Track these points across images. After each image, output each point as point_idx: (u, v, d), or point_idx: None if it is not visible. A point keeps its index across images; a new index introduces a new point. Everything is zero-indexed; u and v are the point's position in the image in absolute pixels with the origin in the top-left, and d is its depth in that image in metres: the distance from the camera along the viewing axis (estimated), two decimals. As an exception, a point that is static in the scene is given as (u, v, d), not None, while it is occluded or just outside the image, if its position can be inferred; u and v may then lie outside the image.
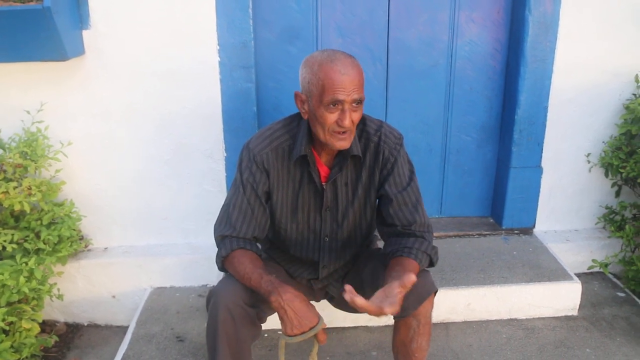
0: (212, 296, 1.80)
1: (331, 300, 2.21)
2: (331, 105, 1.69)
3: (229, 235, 1.85)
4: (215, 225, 1.90)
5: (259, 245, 1.98)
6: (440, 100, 2.86)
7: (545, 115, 2.77)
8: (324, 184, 1.91)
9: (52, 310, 2.74)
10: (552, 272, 2.61)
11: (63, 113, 2.57)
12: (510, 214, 2.91)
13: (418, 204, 1.89)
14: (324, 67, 1.69)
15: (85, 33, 2.49)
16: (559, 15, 2.64)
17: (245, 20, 2.52)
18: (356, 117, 1.73)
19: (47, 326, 2.72)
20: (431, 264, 1.87)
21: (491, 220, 3.04)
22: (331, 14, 2.68)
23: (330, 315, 2.43)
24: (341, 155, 1.87)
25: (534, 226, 2.96)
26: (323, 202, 1.93)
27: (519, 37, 2.69)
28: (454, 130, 2.91)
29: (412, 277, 1.53)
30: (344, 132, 1.73)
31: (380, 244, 2.28)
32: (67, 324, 2.76)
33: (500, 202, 2.94)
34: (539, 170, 2.85)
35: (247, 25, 2.53)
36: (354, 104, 1.71)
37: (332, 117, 1.71)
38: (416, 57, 2.78)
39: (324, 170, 1.91)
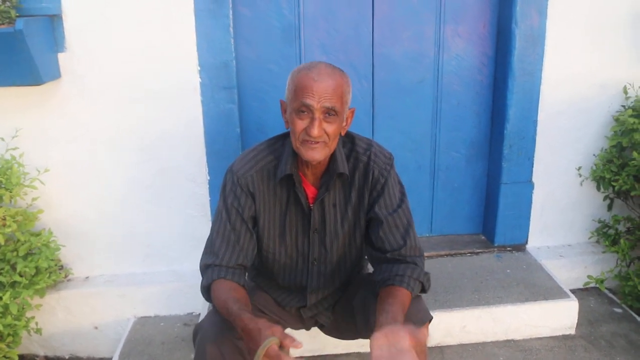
0: (198, 330, 1.71)
1: (322, 328, 2.13)
2: (301, 111, 1.63)
3: (212, 264, 1.76)
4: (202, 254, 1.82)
5: (247, 273, 1.89)
6: (428, 117, 2.80)
7: (535, 129, 2.72)
8: (311, 205, 1.83)
9: (31, 344, 2.63)
10: (547, 290, 2.55)
11: (39, 139, 2.48)
12: (502, 230, 2.85)
13: (409, 227, 1.82)
14: (300, 73, 1.65)
15: (61, 56, 2.41)
16: (546, 28, 2.61)
17: (227, 39, 2.45)
18: (330, 129, 1.65)
19: (26, 361, 2.61)
20: (423, 290, 1.79)
21: (483, 238, 2.98)
22: (314, 31, 2.62)
23: (322, 342, 2.35)
24: (328, 174, 1.80)
25: (526, 242, 2.90)
26: (310, 224, 1.85)
27: (506, 51, 2.65)
28: (442, 146, 2.85)
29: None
30: (316, 142, 1.66)
31: (372, 269, 2.22)
32: (47, 358, 2.65)
33: (491, 218, 2.88)
34: (530, 185, 2.80)
35: (228, 45, 2.46)
36: (326, 114, 1.63)
37: (301, 123, 1.64)
38: (402, 73, 2.73)
39: (311, 191, 1.83)
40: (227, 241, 1.78)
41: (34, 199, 2.46)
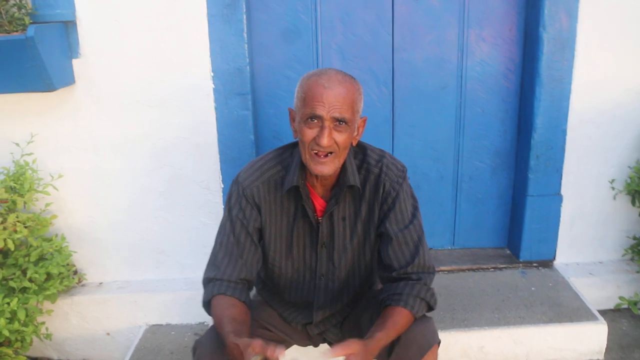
0: (197, 346, 1.67)
1: (331, 345, 2.05)
2: (310, 120, 1.56)
3: (213, 278, 1.70)
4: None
5: (251, 288, 1.82)
6: (451, 125, 2.69)
7: (564, 139, 2.57)
8: (320, 218, 1.76)
9: (46, 348, 2.64)
10: (574, 311, 2.39)
11: (54, 144, 2.49)
12: (528, 245, 2.70)
13: (420, 244, 1.72)
14: (310, 80, 1.58)
15: (75, 62, 2.41)
16: (576, 32, 2.46)
17: (240, 45, 2.40)
18: (340, 138, 1.57)
19: (40, 364, 2.63)
20: (430, 308, 1.69)
21: (508, 252, 2.84)
22: (331, 35, 2.55)
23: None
24: (338, 187, 1.72)
25: (554, 258, 2.74)
26: (318, 237, 1.77)
27: (533, 56, 2.51)
28: (466, 156, 2.73)
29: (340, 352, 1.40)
30: (325, 155, 1.59)
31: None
32: (60, 362, 2.66)
33: (517, 232, 2.73)
34: (558, 198, 2.64)
35: (242, 51, 2.41)
36: (336, 124, 1.56)
37: (310, 133, 1.57)
38: (423, 79, 2.62)
39: (319, 203, 1.76)
40: (230, 255, 1.72)
41: (47, 205, 2.47)
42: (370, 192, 1.75)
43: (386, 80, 2.61)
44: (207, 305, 1.71)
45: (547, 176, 2.61)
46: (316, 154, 1.59)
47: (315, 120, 1.56)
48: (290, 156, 1.76)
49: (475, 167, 2.75)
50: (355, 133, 1.67)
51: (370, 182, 1.75)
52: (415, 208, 1.77)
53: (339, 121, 1.56)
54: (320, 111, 1.54)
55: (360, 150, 1.78)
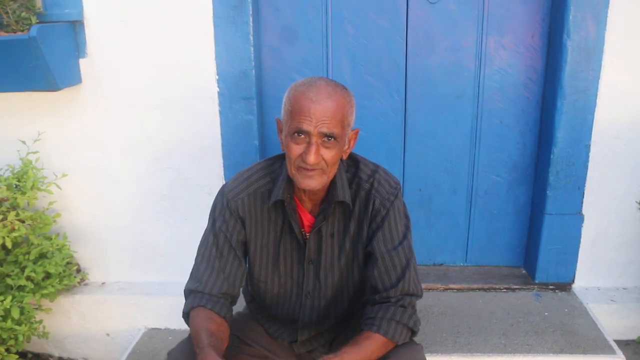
0: (168, 358, 1.63)
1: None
2: (296, 135, 1.48)
3: (194, 290, 1.66)
4: None
5: (234, 302, 1.75)
6: (466, 135, 2.55)
7: (587, 155, 2.39)
8: (307, 233, 1.68)
9: (47, 344, 2.66)
10: (589, 341, 2.22)
11: (60, 143, 2.50)
12: (544, 266, 2.53)
13: (407, 268, 1.62)
14: (297, 92, 1.50)
15: (82, 62, 2.41)
16: (604, 40, 2.28)
17: (246, 48, 2.35)
18: (328, 155, 1.49)
19: (41, 360, 2.65)
20: (412, 332, 1.59)
21: (523, 272, 2.67)
22: (342, 39, 2.46)
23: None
24: (327, 202, 1.64)
25: (572, 281, 2.56)
26: (305, 254, 1.69)
27: (556, 65, 2.35)
28: (481, 169, 2.58)
29: None
30: (312, 170, 1.50)
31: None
32: (61, 359, 2.67)
33: (533, 251, 2.57)
34: (579, 217, 2.47)
35: (247, 54, 2.35)
36: (324, 139, 1.47)
37: (297, 149, 1.49)
38: (438, 87, 2.50)
39: (307, 219, 1.68)
40: (212, 267, 1.67)
41: (50, 203, 2.47)
42: (360, 208, 1.66)
43: (399, 87, 2.50)
44: (187, 316, 1.66)
45: (568, 194, 2.44)
46: (303, 168, 1.51)
47: (302, 136, 1.48)
48: (279, 167, 1.69)
49: (491, 181, 2.60)
50: (346, 147, 1.59)
51: (361, 197, 1.66)
52: (407, 228, 1.67)
53: (327, 137, 1.48)
54: (307, 126, 1.46)
55: (352, 164, 1.70)
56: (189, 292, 1.68)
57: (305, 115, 1.46)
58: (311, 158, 1.46)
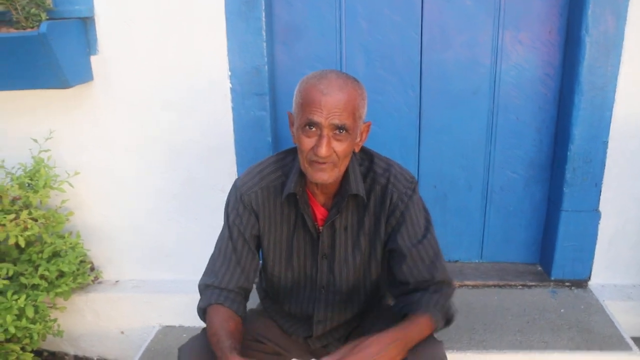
0: (179, 353, 1.63)
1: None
2: (307, 127, 1.47)
3: (211, 285, 1.66)
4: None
5: (247, 297, 1.74)
6: (482, 132, 2.52)
7: (605, 152, 2.36)
8: (320, 227, 1.67)
9: (62, 342, 2.66)
10: (605, 338, 2.21)
11: (72, 141, 2.48)
12: (560, 263, 2.51)
13: (436, 259, 1.61)
14: (308, 84, 1.48)
15: (93, 59, 2.38)
16: (624, 35, 2.24)
17: (259, 43, 2.31)
18: (340, 148, 1.48)
19: (55, 358, 2.65)
20: (447, 321, 1.58)
21: (539, 269, 2.65)
22: (356, 34, 2.42)
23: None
24: (340, 195, 1.62)
25: (589, 278, 2.54)
26: (319, 248, 1.68)
27: (574, 61, 2.31)
28: (497, 165, 2.56)
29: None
30: (324, 163, 1.49)
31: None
32: (76, 357, 2.68)
33: (549, 248, 2.55)
34: (596, 214, 2.45)
35: (260, 49, 2.32)
36: (336, 132, 1.46)
37: (308, 142, 1.48)
38: (453, 82, 2.46)
39: (320, 212, 1.67)
40: (228, 262, 1.67)
41: (63, 202, 2.46)
42: (376, 203, 1.64)
43: (413, 82, 2.47)
44: (202, 312, 1.67)
45: (584, 191, 2.41)
46: (315, 161, 1.50)
47: (314, 128, 1.47)
48: (292, 161, 1.68)
49: (507, 177, 2.57)
50: (358, 139, 1.57)
51: (376, 192, 1.64)
52: (427, 221, 1.65)
53: (339, 129, 1.46)
54: (318, 118, 1.44)
55: (366, 157, 1.68)
56: (204, 287, 1.68)
57: (316, 107, 1.45)
58: (323, 150, 1.45)
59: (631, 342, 2.19)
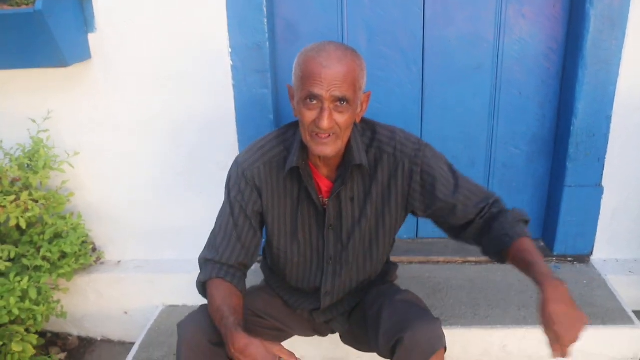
0: (178, 330, 1.64)
1: (340, 337, 1.98)
2: (308, 101, 1.46)
3: (211, 260, 1.67)
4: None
5: (245, 274, 1.75)
6: (485, 107, 2.50)
7: (608, 127, 2.36)
8: (326, 199, 1.67)
9: (65, 323, 2.66)
10: (608, 312, 2.23)
11: (71, 121, 2.45)
12: (563, 238, 2.52)
13: (477, 189, 1.70)
14: (307, 57, 1.48)
15: (91, 36, 2.33)
16: (629, 8, 2.22)
17: (259, 19, 2.28)
18: (341, 119, 1.48)
19: (59, 339, 2.64)
20: (526, 222, 1.70)
21: (542, 244, 2.66)
22: (358, 10, 2.39)
23: (344, 350, 2.18)
24: (343, 167, 1.62)
25: (591, 253, 2.55)
26: (325, 220, 1.69)
27: (577, 35, 2.29)
28: (500, 141, 2.55)
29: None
30: (327, 136, 1.49)
31: (400, 278, 2.03)
32: (80, 338, 2.68)
33: (552, 224, 2.56)
34: (598, 189, 2.45)
35: (261, 25, 2.28)
36: (337, 103, 1.45)
37: (310, 114, 1.48)
38: (456, 58, 2.44)
39: (324, 184, 1.67)
40: (229, 237, 1.67)
41: (63, 182, 2.43)
42: (385, 172, 1.66)
43: (416, 58, 2.44)
44: (202, 285, 1.68)
45: (587, 166, 2.41)
46: (317, 134, 1.49)
47: (315, 101, 1.46)
48: (293, 135, 1.67)
49: (510, 153, 2.57)
50: (359, 110, 1.56)
51: (384, 162, 1.65)
52: (448, 165, 1.70)
53: (340, 101, 1.46)
54: (319, 91, 1.44)
55: (368, 127, 1.68)
56: (204, 261, 1.69)
57: (316, 80, 1.44)
58: (325, 123, 1.45)
59: (633, 316, 2.22)
